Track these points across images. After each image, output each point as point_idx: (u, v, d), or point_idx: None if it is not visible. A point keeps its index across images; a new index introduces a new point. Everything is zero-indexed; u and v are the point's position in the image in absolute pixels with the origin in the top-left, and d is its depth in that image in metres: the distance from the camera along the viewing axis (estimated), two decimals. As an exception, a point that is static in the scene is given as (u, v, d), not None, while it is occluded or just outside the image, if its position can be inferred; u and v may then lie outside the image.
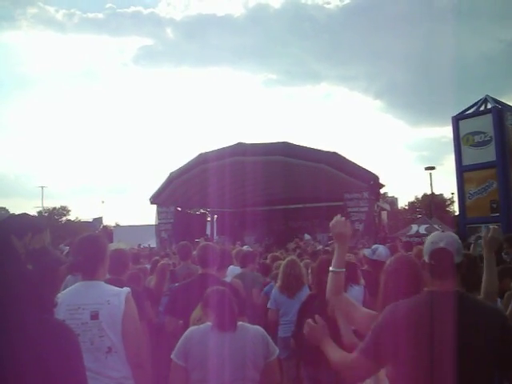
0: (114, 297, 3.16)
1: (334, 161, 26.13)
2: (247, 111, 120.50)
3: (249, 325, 3.39)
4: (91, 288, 3.21)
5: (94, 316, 3.07)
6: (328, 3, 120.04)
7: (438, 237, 2.52)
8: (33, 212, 56.30)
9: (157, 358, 4.44)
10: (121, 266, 4.71)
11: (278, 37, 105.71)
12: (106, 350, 3.06)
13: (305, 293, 5.70)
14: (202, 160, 28.93)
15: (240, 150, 27.84)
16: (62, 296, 3.05)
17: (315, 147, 27.55)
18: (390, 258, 3.50)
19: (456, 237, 2.54)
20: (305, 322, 4.77)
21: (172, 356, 3.24)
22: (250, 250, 10.35)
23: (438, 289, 2.44)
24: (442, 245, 2.45)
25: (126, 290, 3.26)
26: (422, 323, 2.36)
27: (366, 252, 6.25)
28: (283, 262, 6.40)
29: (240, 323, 3.30)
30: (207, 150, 29.33)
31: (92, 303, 3.12)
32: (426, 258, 2.52)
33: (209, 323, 3.30)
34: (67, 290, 3.30)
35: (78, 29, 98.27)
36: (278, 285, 6.12)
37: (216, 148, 29.16)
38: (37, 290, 1.78)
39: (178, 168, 30.69)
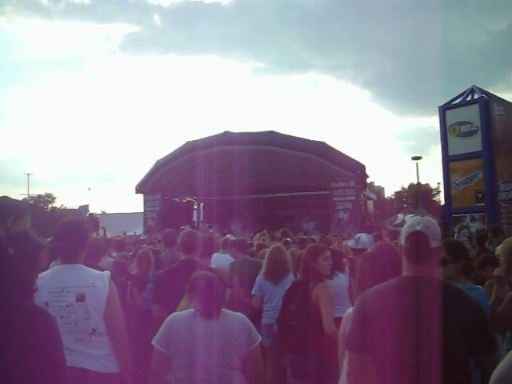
0: (98, 279, 3.22)
1: (321, 150, 26.20)
2: (235, 99, 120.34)
3: (232, 312, 3.36)
4: (74, 270, 3.25)
5: (80, 298, 3.11)
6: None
7: (416, 221, 2.54)
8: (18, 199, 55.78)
9: (144, 344, 4.43)
10: (96, 252, 4.78)
11: (265, 25, 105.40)
12: (91, 332, 3.12)
13: (290, 279, 5.70)
14: (189, 148, 28.90)
15: (227, 138, 27.83)
16: (43, 278, 3.06)
17: (302, 136, 27.64)
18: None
19: (434, 222, 2.55)
20: (289, 308, 4.81)
21: (153, 342, 3.21)
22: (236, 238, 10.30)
23: (411, 274, 2.45)
24: (418, 228, 2.46)
25: (108, 273, 3.34)
26: (406, 312, 2.36)
27: (350, 243, 6.29)
28: (268, 249, 6.36)
29: (223, 310, 3.28)
30: (194, 139, 29.31)
31: (77, 286, 3.16)
32: (402, 242, 2.54)
33: (191, 310, 3.28)
34: (47, 272, 3.33)
35: (64, 15, 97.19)
36: (262, 271, 6.09)
37: (203, 136, 29.15)
38: (17, 274, 1.76)
39: (164, 156, 30.64)
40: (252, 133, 28.20)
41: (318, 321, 4.47)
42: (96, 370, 3.10)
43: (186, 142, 29.53)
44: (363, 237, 6.00)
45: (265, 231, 12.31)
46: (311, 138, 27.28)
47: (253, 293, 6.11)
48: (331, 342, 4.03)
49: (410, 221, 2.62)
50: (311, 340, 4.48)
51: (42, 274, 3.16)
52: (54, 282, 3.16)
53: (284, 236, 13.49)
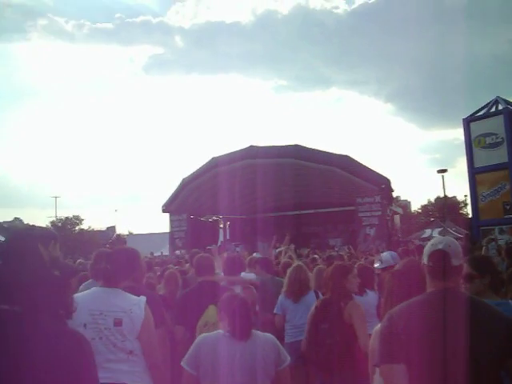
0: (135, 306, 3.37)
1: (346, 164, 26.09)
2: (258, 118, 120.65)
3: (260, 332, 3.37)
4: (112, 295, 3.41)
5: (118, 323, 3.28)
6: (336, 8, 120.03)
7: (438, 240, 2.62)
8: (46, 222, 56.77)
9: (173, 363, 4.49)
10: (138, 273, 4.87)
11: (287, 43, 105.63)
12: (128, 352, 3.27)
13: (310, 297, 5.73)
14: (215, 164, 29.05)
15: (252, 152, 27.95)
16: (82, 300, 3.19)
17: (327, 150, 27.58)
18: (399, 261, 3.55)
19: (455, 241, 2.62)
20: (320, 327, 4.79)
21: (182, 363, 3.25)
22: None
23: (437, 289, 2.49)
24: (440, 247, 2.53)
25: (144, 298, 3.45)
26: (434, 326, 2.39)
27: (376, 265, 6.37)
28: (290, 268, 6.39)
29: (252, 331, 3.29)
30: (220, 154, 29.51)
31: (115, 311, 3.32)
32: (425, 261, 2.61)
33: (220, 331, 3.30)
34: (85, 293, 3.53)
35: (87, 39, 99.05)
36: (283, 290, 6.12)
37: (228, 152, 29.33)
38: (52, 298, 1.81)
39: (190, 173, 30.81)
40: (277, 146, 28.28)
41: (351, 339, 4.47)
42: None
43: (211, 157, 29.75)
44: (385, 255, 6.08)
45: (289, 246, 12.23)
46: (336, 152, 27.25)
47: (275, 311, 6.12)
48: (365, 359, 4.02)
49: (432, 240, 2.70)
50: (345, 358, 4.47)
51: (80, 295, 3.37)
52: (93, 304, 3.32)
53: (311, 253, 13.45)
